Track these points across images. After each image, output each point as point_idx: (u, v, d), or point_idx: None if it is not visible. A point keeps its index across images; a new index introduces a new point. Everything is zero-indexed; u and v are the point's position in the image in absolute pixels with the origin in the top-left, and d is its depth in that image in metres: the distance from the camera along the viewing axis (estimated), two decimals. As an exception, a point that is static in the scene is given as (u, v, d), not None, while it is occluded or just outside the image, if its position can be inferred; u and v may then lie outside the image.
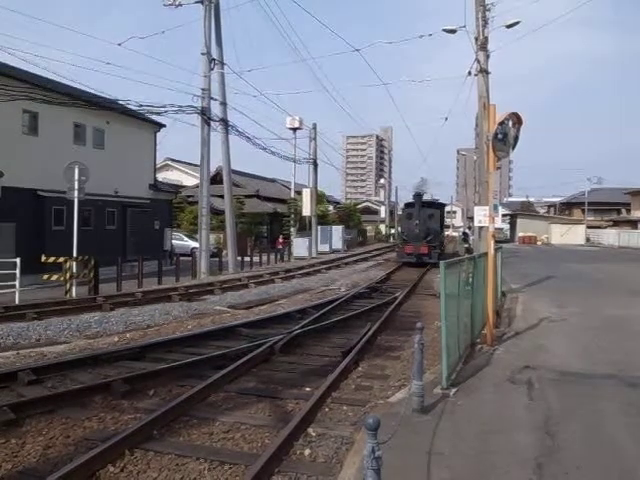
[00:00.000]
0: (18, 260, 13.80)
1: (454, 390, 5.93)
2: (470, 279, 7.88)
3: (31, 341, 9.43)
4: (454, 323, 6.49)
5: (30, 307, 12.18)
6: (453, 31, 17.21)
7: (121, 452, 4.60)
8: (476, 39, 16.15)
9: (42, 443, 4.90)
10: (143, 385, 6.61)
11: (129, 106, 20.53)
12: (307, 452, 4.77)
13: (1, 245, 17.26)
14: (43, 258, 15.24)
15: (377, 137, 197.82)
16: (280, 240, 37.81)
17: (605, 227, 55.22)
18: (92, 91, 20.51)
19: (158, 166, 33.72)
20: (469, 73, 17.51)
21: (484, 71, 16.08)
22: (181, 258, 21.53)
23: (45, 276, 15.21)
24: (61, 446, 4.86)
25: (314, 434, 5.16)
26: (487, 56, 16.25)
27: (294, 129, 38.01)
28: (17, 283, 13.71)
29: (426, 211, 27.57)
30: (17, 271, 13.71)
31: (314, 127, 37.70)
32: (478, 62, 16.16)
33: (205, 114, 21.19)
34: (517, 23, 16.66)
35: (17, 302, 13.19)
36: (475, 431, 4.85)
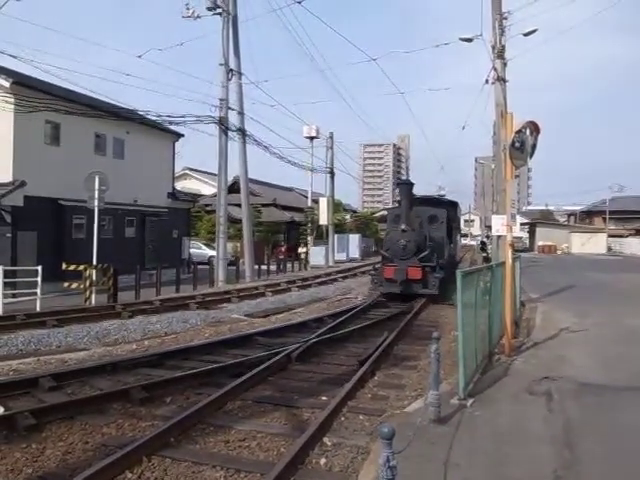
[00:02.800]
0: (39, 268, 14.04)
1: (471, 401, 5.88)
2: (488, 288, 7.83)
3: (51, 348, 9.60)
4: (471, 333, 6.44)
5: (51, 314, 12.38)
6: (470, 40, 17.17)
7: (139, 459, 4.64)
8: (493, 47, 16.11)
9: (62, 448, 4.97)
10: (161, 392, 6.67)
11: (148, 116, 20.89)
12: (323, 461, 4.76)
13: (23, 253, 17.57)
14: (64, 266, 15.50)
15: (394, 145, 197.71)
16: (282, 249, 35.07)
17: (627, 236, 54.32)
18: (112, 102, 20.92)
19: (177, 175, 34.10)
20: (486, 81, 17.44)
21: (501, 79, 16.00)
22: (199, 266, 21.71)
23: (65, 284, 15.45)
24: (80, 452, 4.93)
25: (330, 443, 5.15)
26: (504, 64, 16.18)
27: (311, 138, 38.19)
28: (38, 291, 13.95)
29: (422, 212, 17.67)
30: (38, 279, 13.95)
31: (331, 136, 37.85)
32: (495, 70, 16.08)
33: (223, 124, 21.43)
34: (534, 31, 16.57)
35: (38, 309, 13.40)
36: (492, 442, 4.80)
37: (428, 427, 5.12)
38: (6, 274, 13.86)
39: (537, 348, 8.70)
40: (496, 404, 5.88)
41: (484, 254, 30.73)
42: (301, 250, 35.65)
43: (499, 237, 15.62)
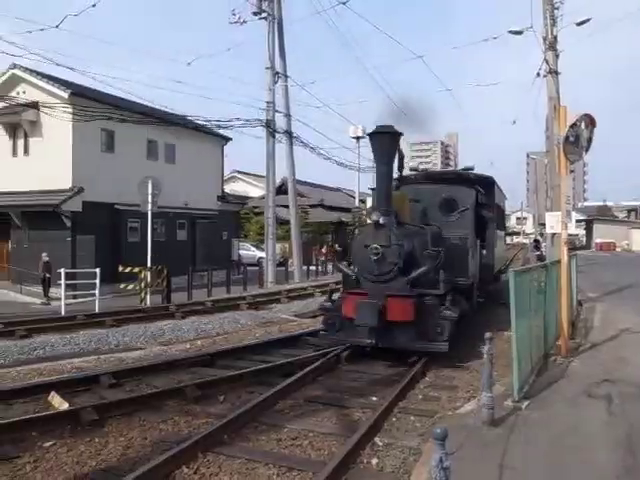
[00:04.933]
0: (98, 270, 14.64)
1: (526, 403, 5.73)
2: (543, 288, 7.61)
3: (110, 347, 9.99)
4: (525, 333, 6.28)
5: (109, 315, 12.89)
6: (519, 32, 16.73)
7: (194, 455, 4.78)
8: (544, 39, 15.63)
9: (122, 443, 5.18)
10: (214, 391, 6.83)
11: (198, 121, 21.42)
12: (374, 461, 4.76)
13: (82, 256, 18.38)
14: (120, 268, 16.10)
15: (442, 143, 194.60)
16: (323, 250, 33.21)
17: (693, 231, 51.35)
18: (163, 108, 21.58)
19: (225, 178, 34.76)
20: (538, 74, 16.94)
21: (554, 72, 15.52)
22: (248, 268, 22.05)
23: (122, 285, 16.04)
24: (139, 447, 5.12)
25: (381, 444, 5.14)
26: (556, 56, 15.69)
27: (357, 138, 38.15)
28: (97, 292, 14.55)
29: (427, 193, 10.60)
30: (97, 281, 14.56)
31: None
32: (547, 62, 15.61)
33: (270, 126, 21.70)
34: (588, 20, 16.00)
35: (97, 310, 13.98)
36: (550, 446, 4.66)
37: (481, 429, 5.03)
38: (67, 276, 14.53)
39: (596, 349, 8.37)
40: (553, 407, 5.70)
41: (537, 253, 29.83)
42: (323, 250, 33.47)
43: (553, 235, 15.16)
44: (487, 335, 5.45)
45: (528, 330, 6.45)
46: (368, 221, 8.66)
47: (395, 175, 9.73)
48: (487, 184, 12.89)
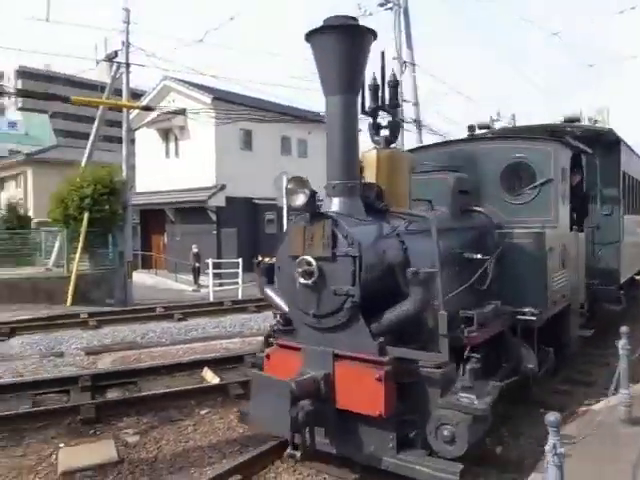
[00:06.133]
0: (240, 260, 15.98)
1: (672, 403, 5.36)
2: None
3: (252, 330, 10.96)
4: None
5: (250, 301, 14.04)
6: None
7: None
8: None
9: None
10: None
11: (327, 116, 22.12)
12: (498, 449, 4.84)
13: (227, 247, 20.12)
14: (259, 258, 17.36)
15: (589, 120, 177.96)
16: None
17: None
18: (293, 105, 22.69)
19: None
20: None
21: None
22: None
23: (261, 274, 17.30)
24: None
25: (506, 433, 5.19)
26: None
27: (492, 122, 36.60)
28: (240, 280, 15.90)
29: (474, 154, 6.04)
30: (239, 270, 15.90)
31: (513, 118, 35.75)
32: None
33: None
34: None
35: (240, 297, 15.29)
36: (695, 449, 4.38)
37: (616, 426, 4.85)
38: (213, 266, 16.06)
39: None
40: None
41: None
42: None
43: None
44: (623, 329, 5.22)
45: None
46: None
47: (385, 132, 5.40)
48: (606, 143, 8.41)
